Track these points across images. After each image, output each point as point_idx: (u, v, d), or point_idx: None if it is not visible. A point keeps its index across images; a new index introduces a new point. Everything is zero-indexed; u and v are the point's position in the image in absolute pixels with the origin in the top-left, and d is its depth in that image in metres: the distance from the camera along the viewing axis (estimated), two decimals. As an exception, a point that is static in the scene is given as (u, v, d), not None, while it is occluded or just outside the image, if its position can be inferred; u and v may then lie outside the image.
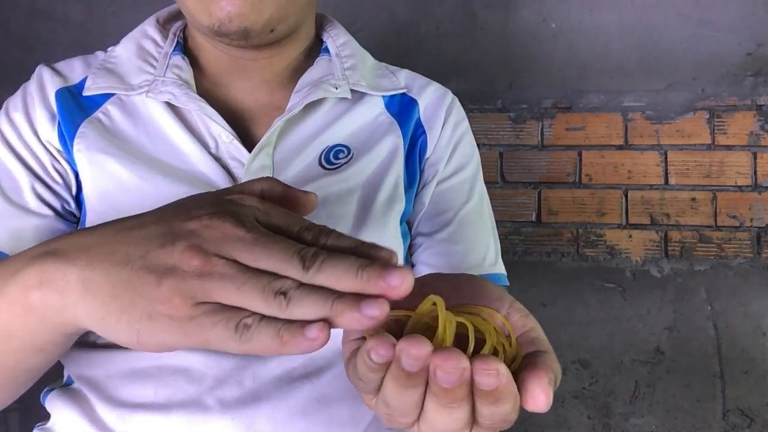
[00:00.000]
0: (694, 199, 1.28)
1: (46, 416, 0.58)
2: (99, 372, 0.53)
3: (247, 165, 0.55)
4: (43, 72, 0.58)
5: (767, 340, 1.25)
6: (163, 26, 0.62)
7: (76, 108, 0.56)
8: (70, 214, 0.58)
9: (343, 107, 0.61)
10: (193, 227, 0.30)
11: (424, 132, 0.63)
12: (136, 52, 0.59)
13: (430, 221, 0.63)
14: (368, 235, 0.57)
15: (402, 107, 0.64)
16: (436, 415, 0.29)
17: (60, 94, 0.57)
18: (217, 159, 0.56)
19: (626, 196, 1.30)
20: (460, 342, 0.32)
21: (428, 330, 0.32)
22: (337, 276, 0.28)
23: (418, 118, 0.64)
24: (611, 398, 1.29)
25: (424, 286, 0.36)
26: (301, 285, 0.28)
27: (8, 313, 0.33)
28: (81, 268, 0.30)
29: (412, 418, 0.31)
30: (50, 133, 0.56)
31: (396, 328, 0.34)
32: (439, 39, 1.34)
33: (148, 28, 0.61)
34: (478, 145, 0.68)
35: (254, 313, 0.28)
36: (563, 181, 1.32)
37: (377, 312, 0.27)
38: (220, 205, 0.31)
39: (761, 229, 1.26)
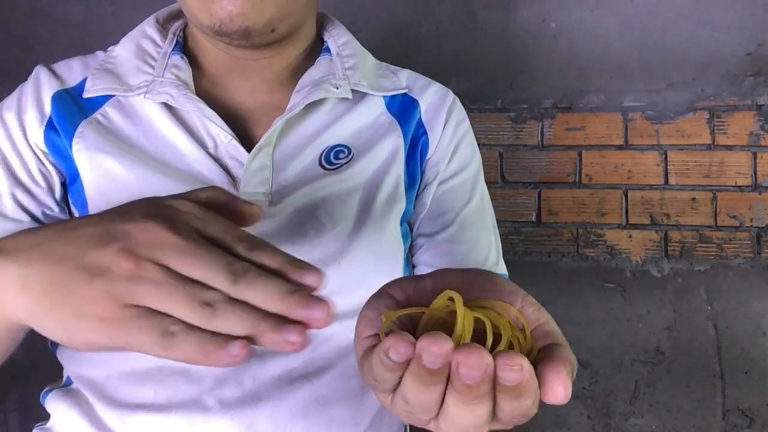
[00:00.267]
0: (694, 199, 1.28)
1: (46, 416, 0.58)
2: (99, 372, 0.53)
3: (247, 165, 0.55)
4: (40, 73, 0.58)
5: (767, 340, 1.25)
6: (163, 26, 0.62)
7: (75, 109, 0.56)
8: (51, 219, 0.57)
9: (344, 107, 0.61)
10: (128, 230, 0.30)
11: (425, 132, 0.63)
12: (135, 52, 0.59)
13: (432, 222, 0.63)
14: (368, 236, 0.57)
15: (403, 107, 0.63)
16: (457, 411, 0.29)
17: (58, 96, 0.57)
18: (216, 159, 0.56)
19: (626, 196, 1.30)
20: (476, 337, 0.31)
21: (443, 325, 0.32)
22: (264, 296, 0.29)
23: (420, 118, 0.63)
24: (611, 398, 1.29)
25: (437, 280, 0.35)
26: (229, 299, 0.29)
27: None
28: (21, 266, 0.30)
29: (432, 415, 0.31)
30: (38, 135, 0.55)
31: (410, 325, 0.34)
32: (439, 39, 1.34)
33: (147, 27, 0.61)
34: (478, 145, 0.68)
35: (181, 321, 0.29)
36: (563, 181, 1.32)
37: (297, 339, 0.28)
38: (158, 209, 0.32)
39: (761, 229, 1.26)
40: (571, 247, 1.31)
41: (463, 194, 0.64)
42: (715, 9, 1.27)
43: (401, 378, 0.30)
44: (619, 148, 1.30)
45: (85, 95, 0.57)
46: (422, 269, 0.62)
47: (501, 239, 0.68)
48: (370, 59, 0.67)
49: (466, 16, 1.33)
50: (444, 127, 0.63)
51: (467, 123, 0.67)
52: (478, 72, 1.34)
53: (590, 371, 1.30)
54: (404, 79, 0.66)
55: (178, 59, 0.58)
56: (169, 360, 0.52)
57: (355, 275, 0.56)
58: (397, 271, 0.59)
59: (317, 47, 0.65)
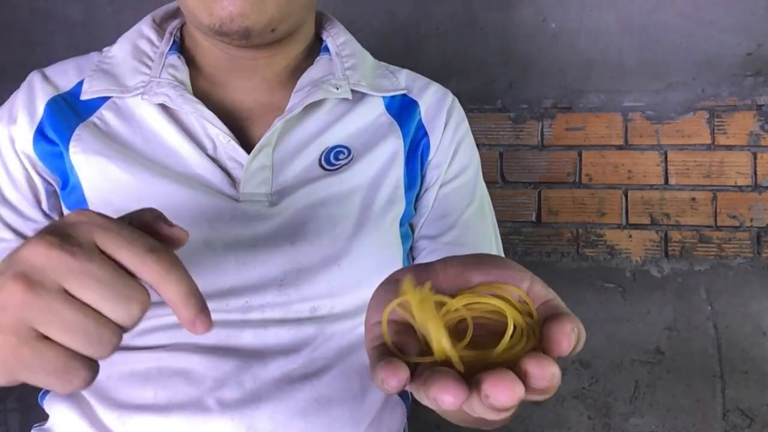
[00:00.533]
0: (694, 199, 1.28)
1: (46, 416, 0.58)
2: (99, 374, 0.53)
3: (247, 165, 0.55)
4: (34, 80, 0.58)
5: (767, 340, 1.25)
6: (159, 25, 0.62)
7: (71, 113, 0.56)
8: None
9: (344, 108, 0.61)
10: (22, 256, 0.30)
11: (426, 134, 0.63)
12: (132, 52, 0.59)
13: (435, 224, 0.63)
14: (368, 237, 0.57)
15: (402, 108, 0.63)
16: (482, 411, 0.29)
17: (53, 102, 0.56)
18: (215, 160, 0.55)
19: (626, 196, 1.30)
20: (486, 328, 0.32)
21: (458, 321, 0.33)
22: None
23: (420, 119, 0.63)
24: (611, 398, 1.29)
25: (447, 268, 0.35)
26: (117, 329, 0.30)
27: None
28: None
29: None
30: (26, 142, 0.55)
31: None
32: (439, 39, 1.34)
33: (144, 27, 0.61)
34: (478, 145, 0.68)
35: (89, 361, 0.30)
36: (563, 181, 1.31)
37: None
38: (53, 228, 0.31)
39: (761, 229, 1.26)
40: (571, 247, 1.31)
41: (465, 196, 0.64)
42: (715, 9, 1.27)
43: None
44: (619, 148, 1.30)
45: (83, 97, 0.56)
46: None
47: (501, 239, 0.68)
48: (369, 59, 0.66)
49: (466, 16, 1.33)
50: (444, 128, 0.63)
51: (466, 123, 0.67)
52: (478, 72, 1.33)
53: (590, 371, 1.30)
54: (403, 80, 0.65)
55: (175, 59, 0.58)
56: (168, 362, 0.52)
57: (355, 276, 0.56)
58: (397, 272, 0.59)
59: (316, 47, 0.65)
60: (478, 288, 0.34)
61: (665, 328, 1.28)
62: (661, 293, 1.28)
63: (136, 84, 0.56)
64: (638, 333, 1.28)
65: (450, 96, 0.66)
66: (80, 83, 0.57)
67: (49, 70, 0.59)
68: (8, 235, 0.55)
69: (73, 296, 0.29)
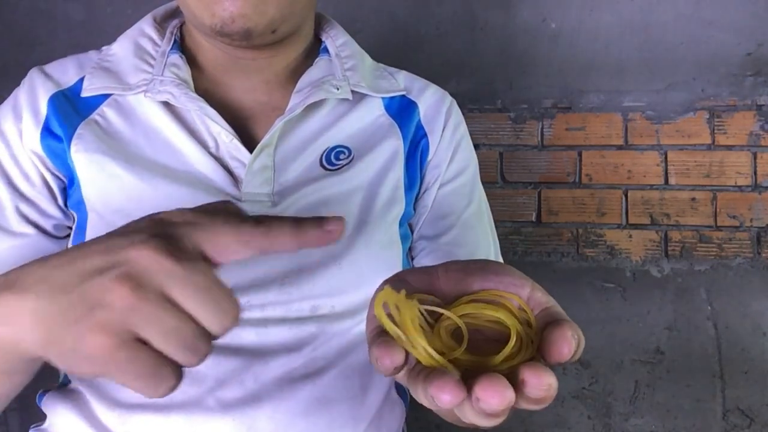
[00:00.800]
0: (694, 199, 1.28)
1: (44, 416, 0.58)
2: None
3: (249, 165, 0.55)
4: (35, 77, 0.57)
5: (767, 340, 1.25)
6: (160, 24, 0.62)
7: (72, 111, 0.56)
8: (59, 228, 0.57)
9: (344, 108, 0.61)
10: (127, 257, 0.30)
11: (425, 135, 0.63)
12: (133, 50, 0.58)
13: (434, 224, 0.63)
14: (368, 236, 0.57)
15: (401, 109, 0.63)
16: (475, 418, 0.30)
17: (54, 98, 0.56)
18: (218, 159, 0.55)
19: (626, 196, 1.30)
20: (486, 336, 0.32)
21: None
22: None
23: (419, 120, 0.63)
24: (611, 398, 1.29)
25: (448, 272, 0.36)
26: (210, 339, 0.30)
27: None
28: (33, 300, 0.30)
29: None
30: (34, 140, 0.55)
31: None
32: (439, 39, 1.34)
33: (145, 26, 0.61)
34: (478, 145, 0.69)
35: (179, 369, 0.30)
36: (563, 181, 1.31)
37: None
38: (158, 229, 0.31)
39: (761, 229, 1.26)
40: (571, 247, 1.31)
41: (463, 197, 0.64)
42: (715, 9, 1.27)
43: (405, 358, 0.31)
44: (619, 148, 1.30)
45: (83, 94, 0.56)
46: None
47: (501, 239, 0.68)
48: (368, 60, 0.67)
49: (466, 16, 1.33)
50: (443, 129, 0.64)
51: (464, 125, 0.67)
52: (478, 72, 1.33)
53: (590, 371, 1.30)
54: (402, 81, 0.66)
55: (176, 58, 0.58)
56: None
57: (355, 276, 0.56)
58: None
59: (315, 48, 0.65)
60: (478, 295, 0.34)
61: (665, 328, 1.28)
62: (661, 293, 1.28)
63: (138, 82, 0.56)
64: (638, 333, 1.28)
65: (448, 98, 0.67)
66: (81, 80, 0.57)
67: (49, 67, 0.59)
68: (30, 230, 0.55)
69: (173, 302, 0.29)
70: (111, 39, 0.62)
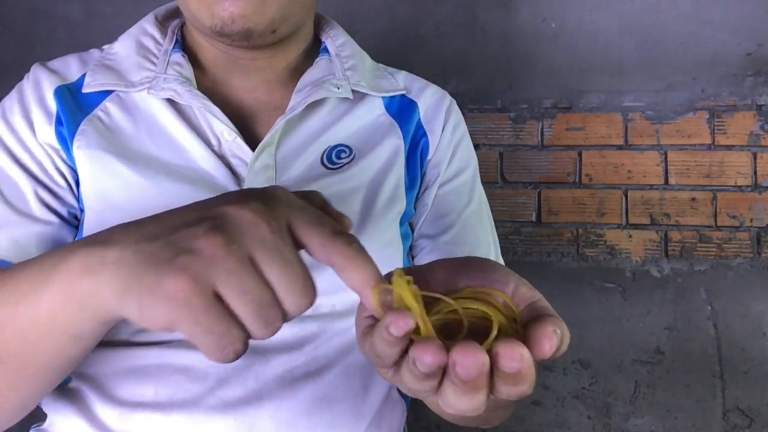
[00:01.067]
0: (694, 199, 1.28)
1: (44, 416, 0.58)
2: (100, 370, 0.53)
3: (251, 164, 0.55)
4: (38, 71, 0.57)
5: (767, 340, 1.25)
6: (162, 24, 0.62)
7: (75, 107, 0.56)
8: (76, 219, 0.57)
9: (344, 107, 0.61)
10: (225, 212, 0.30)
11: (425, 134, 0.63)
12: (136, 49, 0.59)
13: (434, 223, 0.63)
14: (369, 235, 0.57)
15: (402, 109, 0.64)
16: (455, 399, 0.30)
17: (59, 91, 0.56)
18: (220, 157, 0.55)
19: (626, 196, 1.30)
20: (469, 327, 0.32)
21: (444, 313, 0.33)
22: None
23: (419, 120, 0.64)
24: (611, 398, 1.29)
25: (437, 269, 0.36)
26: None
27: (50, 302, 0.34)
28: (118, 250, 0.30)
29: (431, 395, 0.31)
30: (48, 134, 0.55)
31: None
32: (439, 39, 1.34)
33: (147, 25, 0.61)
34: (478, 145, 0.69)
35: (247, 336, 0.30)
36: (563, 181, 1.31)
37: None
38: (262, 198, 0.32)
39: (761, 229, 1.26)
40: (571, 247, 1.31)
41: (463, 196, 0.64)
42: (715, 9, 1.27)
43: (401, 353, 0.31)
44: (619, 148, 1.30)
45: (85, 90, 0.56)
46: None
47: (501, 239, 0.68)
48: (368, 60, 0.67)
49: (466, 16, 1.33)
50: (443, 128, 0.64)
51: (464, 125, 0.68)
52: (478, 72, 1.34)
53: (590, 371, 1.30)
54: (402, 81, 0.66)
55: (179, 57, 0.58)
56: (170, 359, 0.52)
57: (356, 274, 0.56)
58: (398, 271, 0.59)
59: (315, 48, 0.65)
60: (464, 292, 0.34)
61: (665, 328, 1.28)
62: (661, 293, 1.28)
63: (141, 79, 0.56)
64: (638, 333, 1.28)
65: (448, 97, 0.67)
66: (83, 77, 0.57)
67: (52, 63, 0.59)
68: (53, 218, 0.54)
69: (257, 268, 0.29)
70: (111, 39, 0.62)
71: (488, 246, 0.65)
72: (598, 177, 1.31)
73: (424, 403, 0.40)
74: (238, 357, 0.30)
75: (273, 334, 0.30)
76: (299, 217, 0.32)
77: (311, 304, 0.31)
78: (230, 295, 0.29)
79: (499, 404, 0.46)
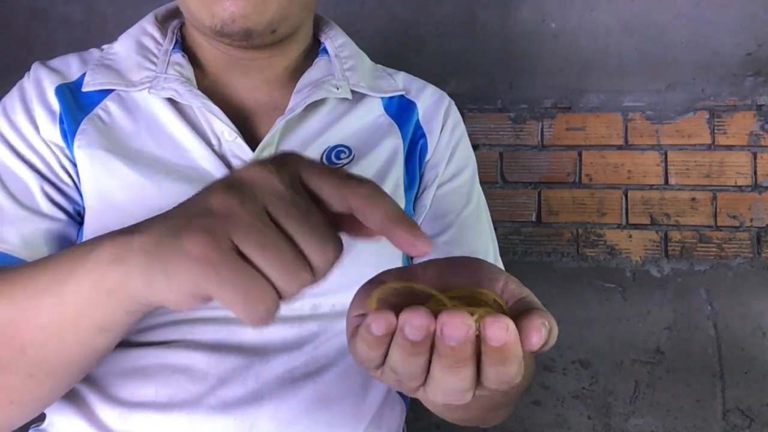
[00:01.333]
0: (694, 199, 1.28)
1: (43, 416, 0.58)
2: (100, 370, 0.53)
3: (251, 165, 0.55)
4: (39, 70, 0.57)
5: (767, 340, 1.25)
6: (162, 24, 0.62)
7: (75, 105, 0.56)
8: (81, 216, 0.57)
9: (344, 108, 0.61)
10: (241, 174, 0.30)
11: (423, 134, 0.64)
12: (136, 48, 0.59)
13: (432, 224, 0.63)
14: (369, 235, 0.57)
15: (401, 109, 0.64)
16: (443, 376, 0.30)
17: (60, 90, 0.56)
18: (221, 157, 0.56)
19: (626, 196, 1.30)
20: None
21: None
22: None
23: (418, 120, 0.64)
24: (611, 398, 1.29)
25: (427, 269, 0.36)
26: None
27: (77, 293, 0.34)
28: (145, 236, 0.31)
29: (419, 382, 0.31)
30: (53, 132, 0.55)
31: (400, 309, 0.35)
32: (439, 39, 1.34)
33: (147, 25, 0.61)
34: (478, 145, 0.69)
35: (276, 293, 0.29)
36: (563, 181, 1.31)
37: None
38: (272, 158, 0.32)
39: (761, 229, 1.26)
40: (571, 247, 1.31)
41: (461, 197, 0.64)
42: (715, 9, 1.27)
43: (386, 354, 0.31)
44: (619, 148, 1.30)
45: (84, 89, 0.56)
46: None
47: (501, 239, 0.68)
48: (367, 61, 0.67)
49: (466, 16, 1.33)
50: (442, 129, 0.64)
51: (462, 126, 0.68)
52: (478, 72, 1.34)
53: (590, 371, 1.30)
54: (401, 81, 0.67)
55: (179, 57, 0.58)
56: (170, 359, 0.52)
57: (357, 274, 0.55)
58: (397, 271, 0.60)
59: (314, 49, 0.65)
60: (453, 291, 0.35)
61: (665, 328, 1.28)
62: (661, 293, 1.28)
63: (141, 79, 0.56)
64: (638, 333, 1.28)
65: (447, 98, 0.67)
66: (83, 76, 0.57)
67: (52, 62, 0.59)
68: (61, 214, 0.54)
69: (276, 222, 0.29)
70: (111, 39, 0.62)
71: (487, 246, 0.65)
72: (598, 177, 1.31)
73: (423, 404, 0.41)
74: (272, 317, 0.29)
75: (302, 289, 0.30)
76: (310, 168, 0.32)
77: (337, 256, 0.30)
78: (250, 249, 0.28)
79: (496, 402, 0.46)
